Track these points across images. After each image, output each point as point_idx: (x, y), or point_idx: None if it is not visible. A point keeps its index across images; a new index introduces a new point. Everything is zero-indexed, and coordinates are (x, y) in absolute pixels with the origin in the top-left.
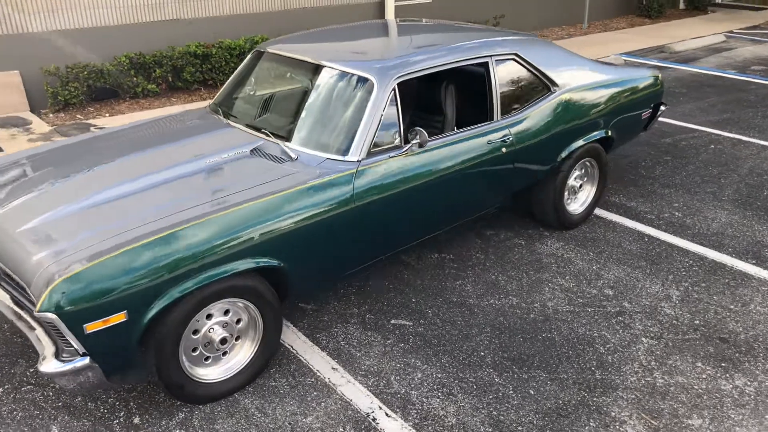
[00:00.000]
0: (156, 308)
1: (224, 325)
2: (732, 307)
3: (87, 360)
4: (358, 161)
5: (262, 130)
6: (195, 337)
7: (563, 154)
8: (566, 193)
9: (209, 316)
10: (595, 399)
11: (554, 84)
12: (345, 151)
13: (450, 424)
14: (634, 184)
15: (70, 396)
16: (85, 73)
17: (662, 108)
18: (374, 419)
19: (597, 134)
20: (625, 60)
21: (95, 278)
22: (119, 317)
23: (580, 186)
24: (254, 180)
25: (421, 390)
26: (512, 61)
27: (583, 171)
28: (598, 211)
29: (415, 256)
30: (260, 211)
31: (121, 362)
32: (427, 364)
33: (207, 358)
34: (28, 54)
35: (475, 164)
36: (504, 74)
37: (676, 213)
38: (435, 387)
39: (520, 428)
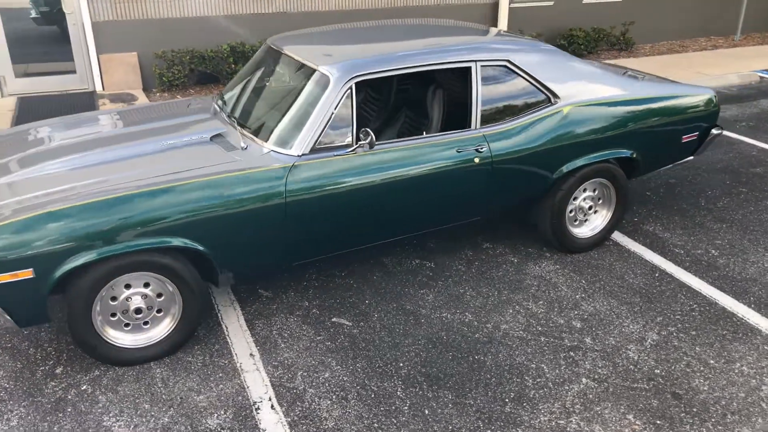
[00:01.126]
0: (61, 271)
1: (143, 297)
2: (712, 362)
3: None
4: (298, 156)
5: (232, 118)
6: (113, 303)
7: (562, 171)
8: (571, 214)
9: (128, 286)
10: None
11: (554, 95)
12: (288, 145)
13: (326, 427)
14: (681, 214)
15: (19, 338)
16: (188, 57)
17: (714, 132)
18: (257, 409)
19: (609, 153)
20: (761, 77)
21: (4, 235)
22: (26, 273)
23: (591, 208)
24: (193, 163)
25: (318, 390)
26: (503, 68)
27: (596, 192)
28: (620, 238)
29: (395, 260)
30: (181, 193)
31: (30, 314)
32: (340, 365)
33: (127, 325)
34: (146, 38)
35: (439, 173)
36: (491, 81)
37: (712, 251)
38: (334, 389)
39: None
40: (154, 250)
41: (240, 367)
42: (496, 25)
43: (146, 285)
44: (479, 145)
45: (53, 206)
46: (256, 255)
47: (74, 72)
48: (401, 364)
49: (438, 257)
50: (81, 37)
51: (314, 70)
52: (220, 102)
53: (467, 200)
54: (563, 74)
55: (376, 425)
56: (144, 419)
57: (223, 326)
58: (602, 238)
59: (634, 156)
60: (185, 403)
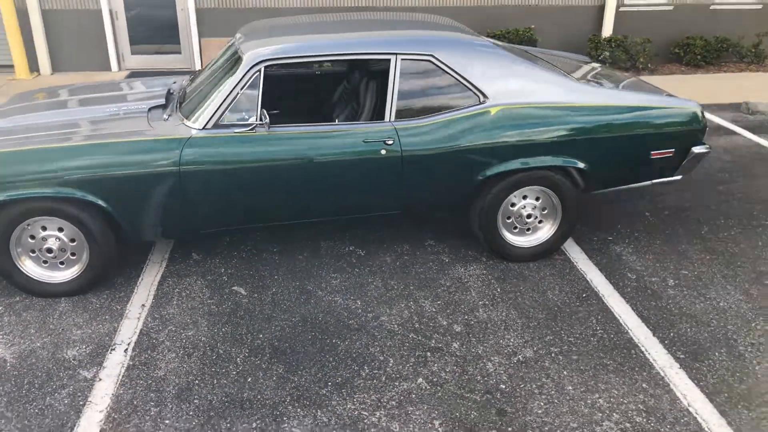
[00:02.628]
0: None
1: (57, 239)
2: (569, 388)
3: None
4: (199, 129)
5: (178, 94)
6: (31, 241)
7: (487, 174)
8: (509, 220)
9: (44, 228)
10: (287, 407)
11: (483, 95)
12: (194, 119)
13: (155, 375)
14: (667, 239)
15: None
16: None
17: (696, 151)
18: (112, 350)
19: (546, 161)
20: None
21: None
22: None
23: (531, 217)
24: (114, 128)
25: (173, 344)
26: (428, 63)
27: (540, 201)
28: (576, 254)
29: (330, 244)
30: (86, 152)
31: None
32: (208, 327)
33: (45, 262)
34: (241, 24)
35: (341, 161)
36: (413, 76)
37: (671, 281)
38: (186, 346)
39: (205, 391)
40: (62, 199)
41: (126, 314)
42: (600, 30)
43: (60, 229)
44: (388, 138)
45: None
46: (155, 217)
47: (179, 53)
48: (260, 335)
49: (372, 247)
50: (186, 23)
51: (237, 53)
52: (188, 80)
53: (374, 192)
54: (498, 74)
55: (197, 381)
56: (21, 341)
57: (139, 279)
58: (547, 250)
59: (584, 168)
60: (62, 334)
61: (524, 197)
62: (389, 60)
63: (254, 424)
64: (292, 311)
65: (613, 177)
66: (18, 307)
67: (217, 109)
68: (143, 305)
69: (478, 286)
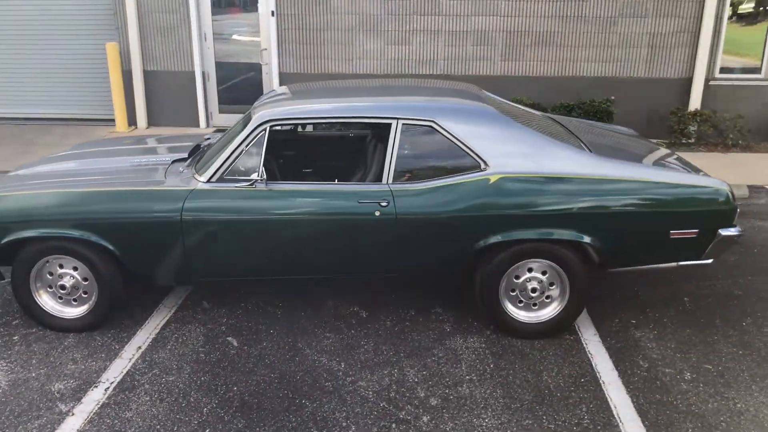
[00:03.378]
0: (6, 239)
1: (72, 277)
2: None
3: None
4: (204, 182)
5: (202, 150)
6: (49, 277)
7: (486, 243)
8: (514, 293)
9: (61, 266)
10: None
11: (483, 162)
12: (202, 172)
13: (124, 416)
14: (701, 328)
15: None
16: None
17: (723, 233)
18: (95, 387)
19: (548, 233)
20: None
21: None
22: None
23: (536, 291)
24: (136, 178)
25: (152, 386)
26: (428, 129)
27: (547, 276)
28: (590, 335)
29: (336, 303)
30: (101, 198)
31: None
32: (189, 374)
33: (60, 297)
34: None
35: (336, 220)
36: (412, 140)
37: (687, 375)
38: (162, 390)
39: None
40: (77, 240)
41: (121, 354)
42: (685, 103)
43: (75, 269)
44: (383, 200)
45: (19, 191)
46: (158, 263)
47: None
48: (234, 388)
49: (377, 309)
50: (270, 85)
51: (250, 116)
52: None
53: (369, 253)
54: (500, 142)
55: (158, 427)
56: (20, 369)
57: (146, 322)
58: (553, 329)
59: (590, 243)
60: (58, 368)
61: (529, 270)
62: (390, 124)
63: None
64: (273, 367)
65: (628, 256)
66: (31, 338)
67: (223, 163)
68: (139, 347)
69: (471, 359)
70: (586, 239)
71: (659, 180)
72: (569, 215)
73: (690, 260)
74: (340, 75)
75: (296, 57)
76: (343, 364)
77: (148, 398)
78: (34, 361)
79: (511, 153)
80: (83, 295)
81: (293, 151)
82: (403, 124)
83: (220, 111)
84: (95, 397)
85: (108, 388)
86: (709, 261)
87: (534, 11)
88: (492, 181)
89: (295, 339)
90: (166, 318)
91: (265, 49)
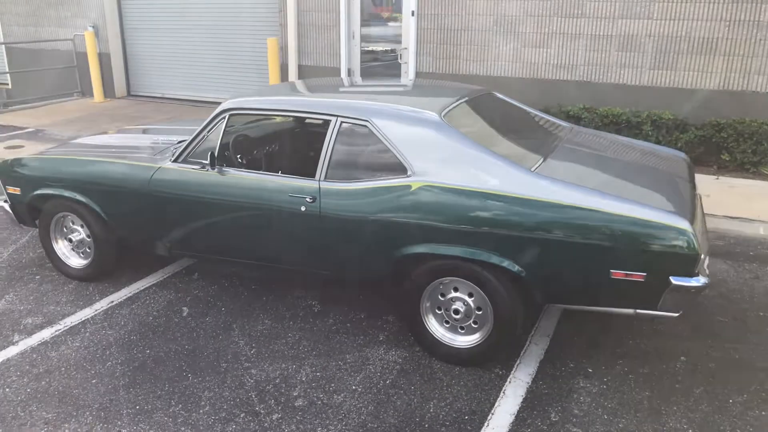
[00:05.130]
0: (29, 195)
1: (79, 233)
2: None
3: (5, 206)
4: (171, 161)
5: None
6: (65, 230)
7: (403, 253)
8: (439, 312)
9: (72, 222)
10: (108, 410)
11: (409, 167)
12: (173, 153)
13: (50, 355)
14: (666, 395)
15: None
16: None
17: (675, 282)
18: (52, 326)
19: (467, 252)
20: None
21: (12, 166)
22: (16, 190)
23: (459, 313)
24: (137, 153)
25: (91, 336)
26: (365, 128)
27: (473, 298)
28: (523, 373)
29: (299, 294)
30: (93, 166)
31: (21, 216)
32: (128, 330)
33: (73, 248)
34: None
35: (268, 209)
36: (349, 139)
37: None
38: (92, 340)
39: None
40: (75, 200)
41: (94, 305)
42: None
43: (82, 226)
44: (310, 196)
45: (53, 155)
46: (134, 229)
47: None
48: (147, 351)
49: (331, 308)
50: None
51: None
52: None
53: (297, 247)
54: (431, 150)
55: (62, 369)
56: (18, 302)
57: (134, 282)
58: (478, 358)
59: (512, 268)
60: (41, 306)
61: (455, 289)
62: (330, 121)
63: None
64: (194, 340)
65: (562, 292)
66: (47, 280)
67: (187, 146)
68: (112, 302)
69: (373, 372)
70: (505, 263)
71: (600, 209)
72: (487, 235)
73: (645, 309)
74: (473, 77)
75: (433, 57)
76: (254, 350)
77: (77, 344)
78: (32, 298)
79: (439, 162)
80: (87, 250)
81: (253, 142)
82: (342, 122)
83: None
84: (43, 335)
85: (59, 330)
86: (674, 314)
87: (693, 14)
88: (413, 188)
89: (234, 319)
90: (153, 282)
91: (406, 48)
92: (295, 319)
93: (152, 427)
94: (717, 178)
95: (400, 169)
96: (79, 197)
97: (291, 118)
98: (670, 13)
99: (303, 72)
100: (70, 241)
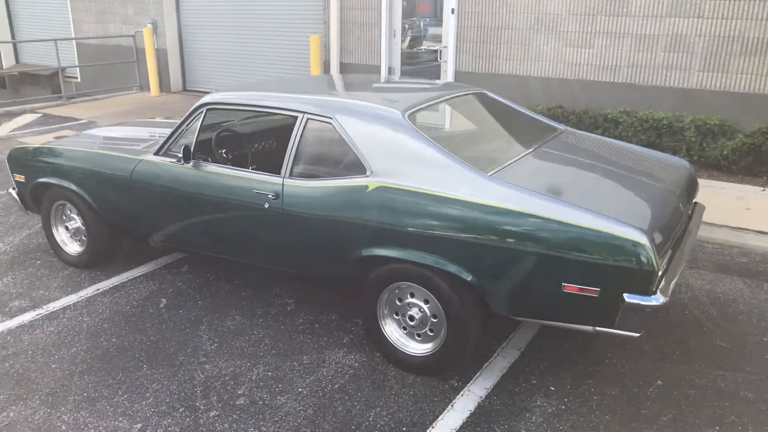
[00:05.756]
0: (31, 184)
1: (75, 221)
2: None
3: (12, 192)
4: (153, 154)
5: None
6: (64, 218)
7: (361, 255)
8: (397, 317)
9: (70, 210)
10: (57, 392)
11: (368, 167)
12: (156, 146)
13: (27, 338)
14: (632, 418)
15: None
16: None
17: (628, 300)
18: (41, 308)
19: (419, 257)
20: None
21: (18, 155)
22: (21, 177)
23: (414, 320)
24: (129, 145)
25: (68, 321)
26: (327, 125)
27: (429, 305)
28: (480, 387)
29: (278, 292)
30: (84, 157)
31: (26, 203)
32: (105, 316)
33: (71, 236)
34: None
35: (234, 204)
36: (314, 136)
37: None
38: (71, 325)
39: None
40: (68, 189)
41: (82, 290)
42: None
43: (77, 214)
44: (275, 193)
45: (57, 146)
46: (121, 219)
47: None
48: (114, 339)
49: (305, 307)
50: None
51: None
52: None
53: (261, 243)
54: (392, 150)
55: (29, 352)
56: (12, 285)
57: (125, 272)
58: (432, 368)
59: (462, 275)
60: (32, 290)
61: (411, 295)
62: (296, 117)
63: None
64: (161, 332)
65: (513, 302)
66: (45, 265)
67: (167, 140)
68: (98, 289)
69: (325, 375)
70: (455, 270)
71: (552, 217)
72: (437, 239)
73: (602, 326)
74: (512, 77)
75: (472, 55)
76: (215, 346)
77: (52, 329)
78: (26, 282)
79: (397, 163)
80: (83, 238)
81: (229, 137)
82: (308, 119)
83: None
84: (24, 318)
85: (40, 314)
86: (635, 334)
87: (748, 13)
88: (370, 188)
89: (206, 313)
90: (143, 272)
91: (445, 46)
92: (265, 316)
93: (92, 415)
94: (764, 190)
95: (359, 168)
96: (73, 187)
97: (266, 115)
98: (723, 12)
99: (344, 69)
100: (67, 228)
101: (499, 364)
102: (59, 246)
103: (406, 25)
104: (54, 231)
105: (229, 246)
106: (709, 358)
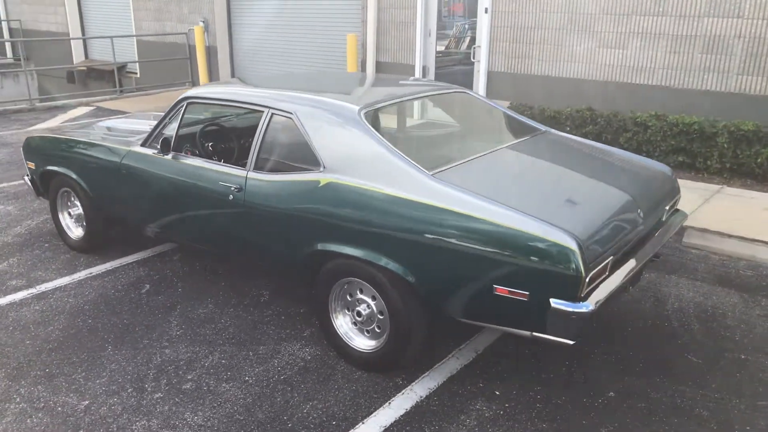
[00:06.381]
0: (40, 171)
1: (77, 207)
2: None
3: (26, 179)
4: (140, 145)
5: None
6: (68, 204)
7: (313, 248)
8: (349, 312)
9: (73, 197)
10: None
11: (321, 162)
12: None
13: (12, 317)
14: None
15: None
16: (528, 113)
17: (554, 305)
18: (31, 289)
19: (361, 253)
20: None
21: (30, 143)
22: (32, 165)
23: (361, 316)
24: (122, 137)
25: (55, 301)
26: (289, 120)
27: (376, 302)
28: (423, 387)
29: (256, 284)
30: (82, 147)
31: (38, 189)
32: (86, 299)
33: (75, 221)
34: (521, 89)
35: (202, 196)
36: (278, 131)
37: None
38: (56, 307)
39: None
40: (69, 176)
41: (75, 274)
42: None
43: (75, 197)
44: (238, 186)
45: (62, 135)
46: (113, 206)
47: None
48: (90, 321)
49: (280, 300)
50: (478, 84)
51: None
52: None
53: (221, 234)
54: (345, 147)
55: (11, 328)
56: (16, 265)
57: (121, 258)
58: (378, 365)
59: (400, 273)
60: (31, 272)
61: (360, 291)
62: (263, 112)
63: None
64: (134, 316)
65: (449, 302)
66: (52, 249)
67: (152, 132)
68: (91, 272)
69: (275, 366)
70: (394, 267)
71: (483, 217)
72: (378, 236)
73: (536, 331)
74: (543, 78)
75: (505, 56)
76: (181, 332)
77: (37, 308)
78: (29, 263)
79: (347, 159)
80: (84, 223)
81: (208, 131)
82: (272, 113)
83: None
84: (15, 297)
85: (32, 294)
86: (569, 342)
87: None
88: (321, 183)
89: (183, 300)
90: (137, 259)
91: (478, 46)
92: (237, 306)
93: (46, 390)
94: None
95: (314, 163)
96: (73, 175)
97: (240, 109)
98: (764, 12)
99: (380, 68)
100: (70, 214)
101: (451, 365)
102: (64, 231)
103: (450, 25)
104: (60, 216)
105: (200, 236)
106: (674, 372)
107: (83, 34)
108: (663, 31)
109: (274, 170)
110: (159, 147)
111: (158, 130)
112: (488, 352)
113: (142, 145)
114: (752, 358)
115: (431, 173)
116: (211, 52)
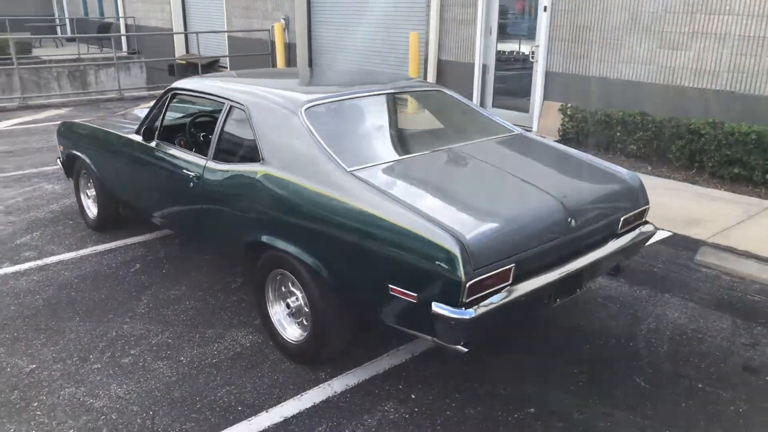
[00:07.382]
0: (66, 154)
1: (93, 188)
2: None
3: (58, 161)
4: (135, 133)
5: None
6: (87, 186)
7: (250, 239)
8: (283, 302)
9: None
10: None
11: (261, 155)
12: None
13: (11, 286)
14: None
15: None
16: (579, 116)
17: (435, 309)
18: (26, 263)
19: (286, 246)
20: None
21: (61, 129)
22: (61, 148)
23: (291, 308)
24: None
25: (47, 271)
26: (243, 113)
27: (303, 293)
28: (352, 378)
29: (239, 272)
30: (87, 131)
31: (67, 171)
32: (83, 275)
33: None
34: (579, 91)
35: (170, 182)
36: (235, 123)
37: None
38: (47, 276)
39: None
40: (84, 161)
41: (79, 252)
42: None
43: (85, 174)
44: (198, 174)
45: (87, 122)
46: (114, 188)
47: (526, 111)
48: (73, 294)
49: (246, 289)
50: (536, 85)
51: None
52: None
53: (184, 218)
54: (281, 140)
55: (2, 296)
56: (39, 238)
57: (126, 239)
58: (304, 356)
59: (324, 275)
60: (44, 247)
61: (292, 282)
62: (223, 104)
63: None
64: (109, 296)
65: (355, 300)
66: (71, 225)
67: (143, 121)
68: (95, 249)
69: (213, 349)
70: (309, 261)
71: (378, 215)
72: (296, 229)
73: (429, 335)
74: (601, 80)
75: (563, 56)
76: (145, 310)
77: (34, 278)
78: (48, 237)
79: (281, 152)
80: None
81: (188, 122)
82: (231, 106)
83: (494, 104)
84: (22, 267)
85: (36, 265)
86: (462, 349)
87: None
88: (258, 175)
89: (159, 281)
90: (142, 240)
91: (537, 45)
92: (207, 291)
93: (6, 351)
94: None
95: (257, 155)
96: (86, 159)
97: (212, 102)
98: None
99: (441, 66)
100: (88, 195)
101: (382, 364)
102: (85, 210)
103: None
104: (81, 196)
105: (172, 220)
106: (612, 394)
107: (185, 29)
108: (729, 31)
109: (227, 161)
110: (142, 135)
111: (150, 117)
112: (426, 355)
113: (137, 132)
114: (710, 389)
115: (349, 170)
116: (290, 48)
